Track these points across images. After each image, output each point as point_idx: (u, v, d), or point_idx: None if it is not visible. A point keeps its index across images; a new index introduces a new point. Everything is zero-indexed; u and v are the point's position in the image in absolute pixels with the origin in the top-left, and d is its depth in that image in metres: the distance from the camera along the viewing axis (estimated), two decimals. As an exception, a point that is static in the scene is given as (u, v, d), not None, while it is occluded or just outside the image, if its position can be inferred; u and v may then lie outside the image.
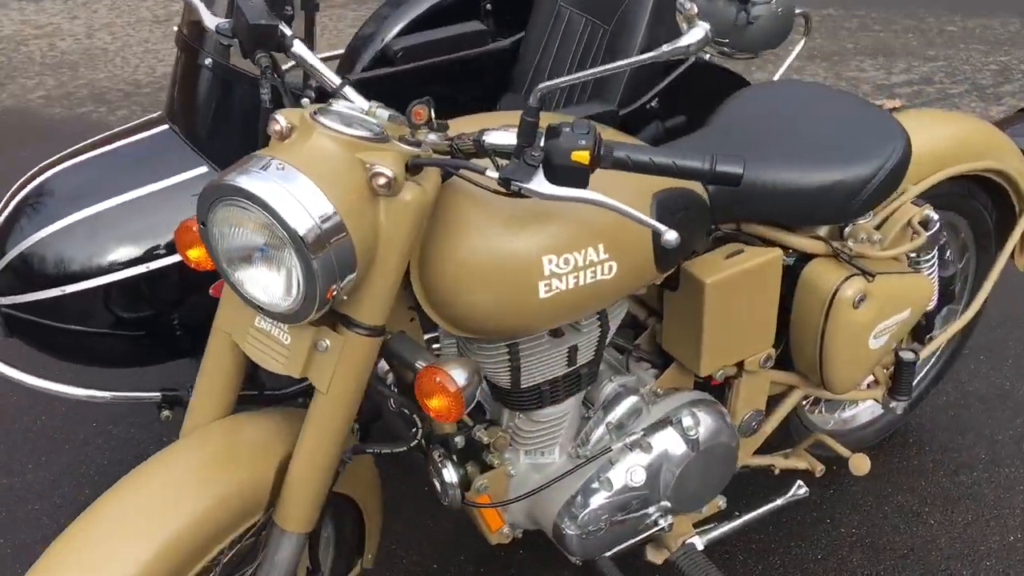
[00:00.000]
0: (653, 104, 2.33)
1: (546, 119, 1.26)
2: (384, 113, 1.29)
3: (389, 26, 2.69)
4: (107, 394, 2.03)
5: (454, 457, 1.56)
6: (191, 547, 1.26)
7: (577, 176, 1.20)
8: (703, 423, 1.70)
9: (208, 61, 1.93)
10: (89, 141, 2.19)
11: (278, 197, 1.14)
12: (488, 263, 1.31)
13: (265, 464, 1.35)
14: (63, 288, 1.93)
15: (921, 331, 2.04)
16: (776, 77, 2.68)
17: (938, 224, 1.83)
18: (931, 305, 1.97)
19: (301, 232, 1.14)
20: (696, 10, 1.19)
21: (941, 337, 2.10)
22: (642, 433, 1.67)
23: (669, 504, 1.72)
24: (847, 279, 1.71)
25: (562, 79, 1.20)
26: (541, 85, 1.19)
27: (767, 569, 2.07)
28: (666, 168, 1.20)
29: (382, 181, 1.19)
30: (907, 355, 1.92)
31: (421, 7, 2.71)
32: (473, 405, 1.34)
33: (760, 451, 2.01)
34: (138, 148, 2.12)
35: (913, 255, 1.88)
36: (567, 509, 1.66)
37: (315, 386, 1.31)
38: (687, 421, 1.68)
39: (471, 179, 1.28)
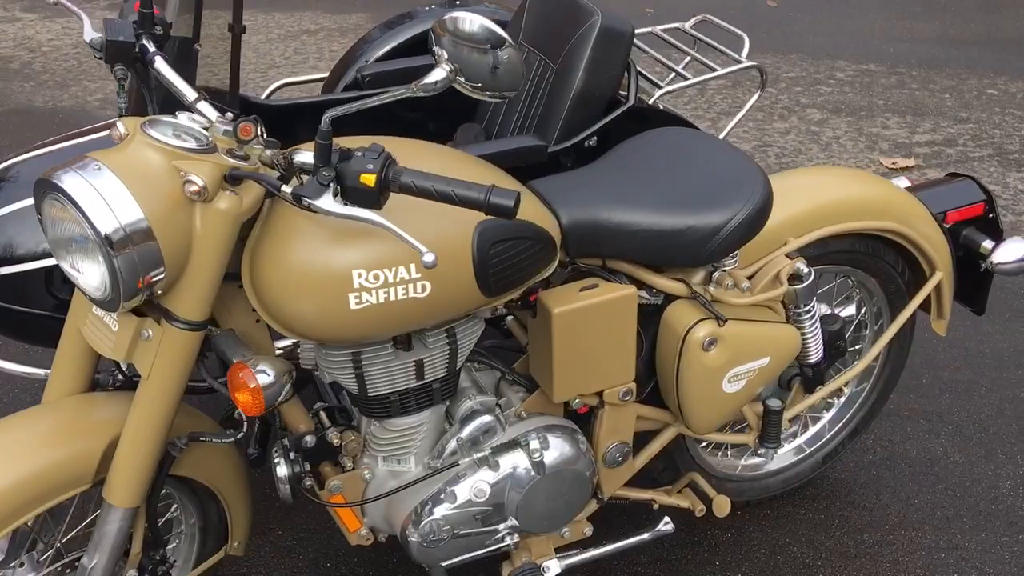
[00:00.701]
0: (591, 143, 2.41)
1: (351, 142, 1.37)
2: (223, 128, 1.42)
3: (370, 51, 2.84)
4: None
5: (291, 454, 1.66)
6: (10, 505, 1.40)
7: (367, 197, 1.30)
8: (551, 447, 1.77)
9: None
10: (64, 134, 2.38)
11: (88, 197, 1.27)
12: (306, 272, 1.42)
13: (98, 440, 1.49)
14: (8, 268, 2.11)
15: (808, 382, 2.06)
16: (730, 126, 2.74)
17: (811, 278, 1.87)
18: (814, 357, 2.00)
19: (105, 231, 1.27)
20: (446, 55, 1.29)
21: (824, 389, 2.11)
22: (490, 451, 1.75)
23: (517, 523, 1.79)
24: (699, 321, 1.76)
25: (353, 104, 1.30)
26: (331, 112, 1.30)
27: (643, 603, 2.12)
28: (446, 196, 1.29)
29: (192, 188, 1.31)
30: (774, 403, 1.95)
31: (404, 35, 2.86)
32: (278, 403, 1.46)
33: (642, 485, 2.06)
34: (102, 143, 2.30)
35: (792, 307, 1.92)
36: (413, 516, 1.75)
37: (139, 372, 1.45)
38: (534, 444, 1.76)
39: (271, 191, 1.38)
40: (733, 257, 1.81)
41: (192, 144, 1.35)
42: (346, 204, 1.31)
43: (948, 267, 2.12)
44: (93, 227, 1.27)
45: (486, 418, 1.76)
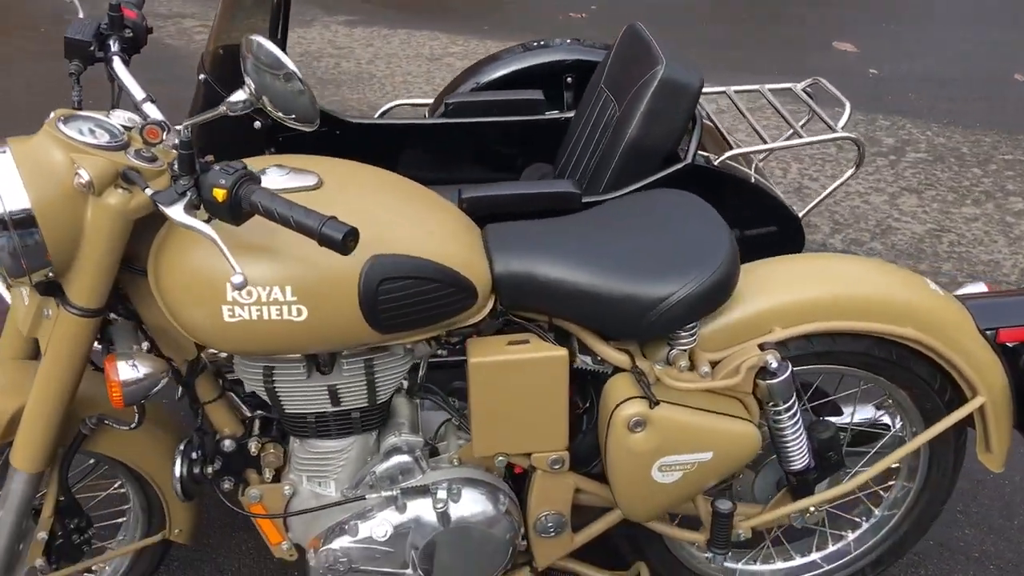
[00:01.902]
0: (642, 197, 2.29)
1: (288, 160, 1.41)
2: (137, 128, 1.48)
3: (470, 80, 2.87)
4: None
5: (194, 453, 1.69)
6: None
7: (221, 211, 1.31)
8: (463, 500, 1.69)
9: (202, 76, 2.24)
10: None
11: None
12: (190, 277, 1.45)
13: (10, 403, 1.59)
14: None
15: (794, 491, 1.83)
16: (814, 203, 2.50)
17: (785, 374, 1.66)
18: (798, 464, 1.76)
19: None
20: (251, 78, 1.28)
21: (813, 498, 1.85)
22: (400, 492, 1.70)
23: (419, 572, 1.72)
24: (630, 399, 1.61)
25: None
26: (187, 122, 1.32)
27: None
28: (285, 220, 1.28)
29: (80, 181, 1.38)
30: (723, 505, 1.74)
31: (507, 68, 2.86)
32: (140, 400, 1.50)
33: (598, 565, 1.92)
34: None
35: (768, 404, 1.71)
36: (318, 541, 1.73)
37: (40, 347, 1.54)
38: (441, 493, 1.69)
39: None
40: (691, 336, 1.64)
41: (101, 140, 1.42)
42: (205, 217, 1.33)
43: (997, 392, 1.80)
44: None
45: (404, 458, 1.71)
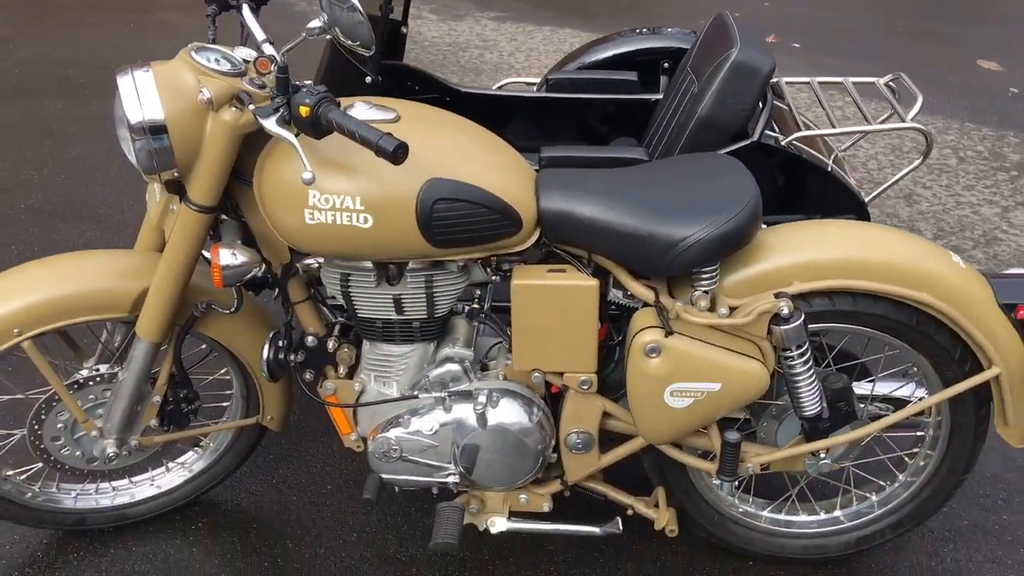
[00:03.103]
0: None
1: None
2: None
3: (577, 60, 3.11)
4: None
5: (281, 342, 2.00)
6: (70, 305, 1.91)
7: (305, 125, 1.61)
8: (499, 407, 1.94)
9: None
10: None
11: (127, 90, 1.72)
12: (283, 187, 1.76)
13: (140, 284, 1.95)
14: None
15: (808, 435, 1.98)
16: (879, 191, 2.61)
17: (796, 321, 1.82)
18: (810, 410, 1.92)
19: (131, 119, 1.71)
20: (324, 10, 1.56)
21: (828, 440, 1.99)
22: (447, 395, 1.96)
23: (458, 467, 1.98)
24: (648, 328, 1.82)
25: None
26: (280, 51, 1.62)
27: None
28: (352, 134, 1.56)
29: (202, 98, 1.71)
30: (731, 436, 1.91)
31: (612, 51, 3.09)
32: (236, 283, 1.82)
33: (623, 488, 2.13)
34: None
35: (781, 351, 1.88)
36: (377, 430, 2.02)
37: (165, 237, 1.89)
38: (481, 398, 1.94)
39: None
40: (711, 278, 1.83)
41: (224, 68, 1.75)
42: (295, 132, 1.64)
43: (1014, 365, 1.91)
44: (124, 113, 1.72)
45: (454, 367, 1.97)
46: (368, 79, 2.50)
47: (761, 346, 1.88)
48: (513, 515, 2.09)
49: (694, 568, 2.24)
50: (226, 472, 2.34)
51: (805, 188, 2.51)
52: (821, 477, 2.22)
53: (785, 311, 1.82)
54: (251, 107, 1.68)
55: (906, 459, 2.18)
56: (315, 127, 1.61)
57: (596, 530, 2.06)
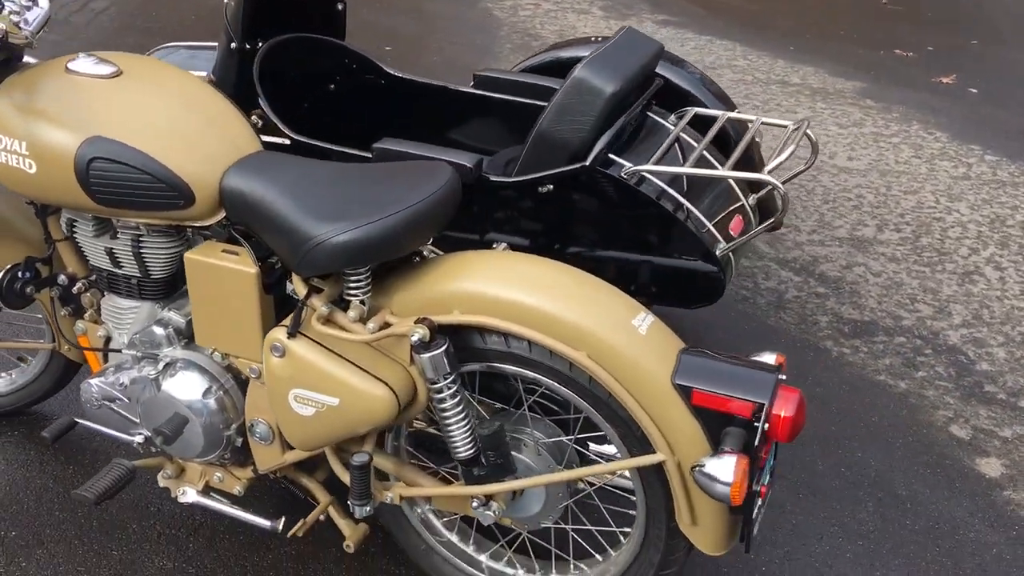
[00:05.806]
0: (544, 189, 2.31)
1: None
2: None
3: (539, 56, 2.98)
4: None
5: (21, 273, 2.11)
6: None
7: None
8: (176, 378, 1.94)
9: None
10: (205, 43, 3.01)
11: None
12: None
13: None
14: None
15: (465, 478, 1.83)
16: (736, 241, 2.31)
17: (436, 351, 1.68)
18: (462, 452, 1.78)
19: None
20: None
21: (478, 488, 1.84)
22: (140, 354, 1.99)
23: (146, 429, 2.01)
24: (280, 325, 1.76)
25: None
26: None
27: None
28: None
29: None
30: (358, 458, 1.78)
31: (560, 54, 2.94)
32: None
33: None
34: None
35: (431, 383, 1.74)
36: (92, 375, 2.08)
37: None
38: (160, 365, 1.96)
39: None
40: (357, 285, 1.74)
41: None
42: None
43: (683, 456, 1.65)
44: None
45: (159, 330, 1.99)
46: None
47: (410, 371, 1.76)
48: (212, 491, 2.09)
49: None
50: (43, 392, 2.52)
51: (640, 225, 2.29)
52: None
53: (415, 339, 1.68)
54: None
55: (620, 536, 1.95)
56: None
57: (267, 524, 2.02)
